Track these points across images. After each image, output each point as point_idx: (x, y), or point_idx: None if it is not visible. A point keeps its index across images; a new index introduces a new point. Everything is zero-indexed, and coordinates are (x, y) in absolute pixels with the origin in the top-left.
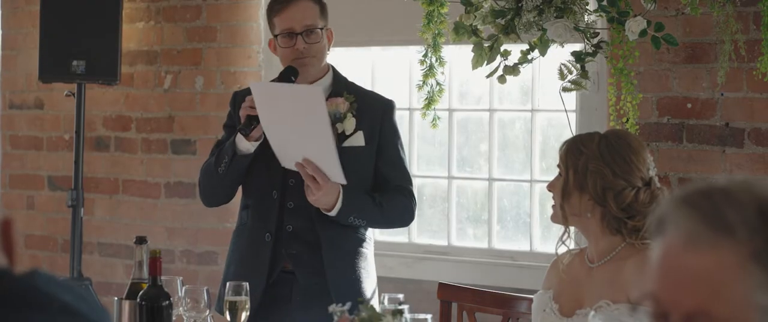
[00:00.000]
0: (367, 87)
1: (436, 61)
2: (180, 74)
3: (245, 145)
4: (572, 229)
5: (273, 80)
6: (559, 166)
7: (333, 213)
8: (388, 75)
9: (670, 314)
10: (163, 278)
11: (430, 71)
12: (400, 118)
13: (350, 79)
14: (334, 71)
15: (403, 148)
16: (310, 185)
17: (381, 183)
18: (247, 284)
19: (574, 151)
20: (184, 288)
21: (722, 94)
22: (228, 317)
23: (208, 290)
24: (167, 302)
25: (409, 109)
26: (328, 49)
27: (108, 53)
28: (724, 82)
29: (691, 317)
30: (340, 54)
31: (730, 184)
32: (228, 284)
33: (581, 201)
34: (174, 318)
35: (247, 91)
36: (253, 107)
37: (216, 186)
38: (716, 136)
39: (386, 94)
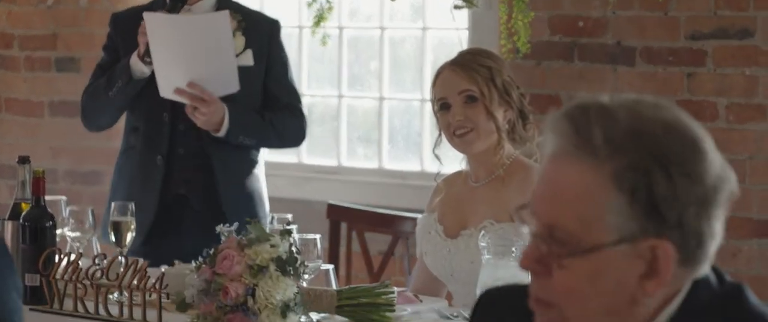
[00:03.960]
0: (256, 5)
1: None
2: None
3: (142, 68)
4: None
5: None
6: (466, 92)
7: (221, 133)
8: None
9: (536, 224)
10: (46, 198)
11: None
12: (289, 37)
13: None
14: None
15: (290, 67)
16: (197, 106)
17: (270, 102)
18: (133, 204)
19: (482, 71)
20: (68, 209)
21: (614, 13)
22: (112, 238)
23: (92, 211)
24: (50, 222)
25: (298, 27)
26: None
27: None
28: (616, 0)
29: (549, 228)
30: None
31: (614, 101)
32: (113, 204)
33: (505, 117)
34: (58, 239)
35: (130, 14)
36: None
37: (103, 110)
38: (608, 55)
39: (276, 11)
